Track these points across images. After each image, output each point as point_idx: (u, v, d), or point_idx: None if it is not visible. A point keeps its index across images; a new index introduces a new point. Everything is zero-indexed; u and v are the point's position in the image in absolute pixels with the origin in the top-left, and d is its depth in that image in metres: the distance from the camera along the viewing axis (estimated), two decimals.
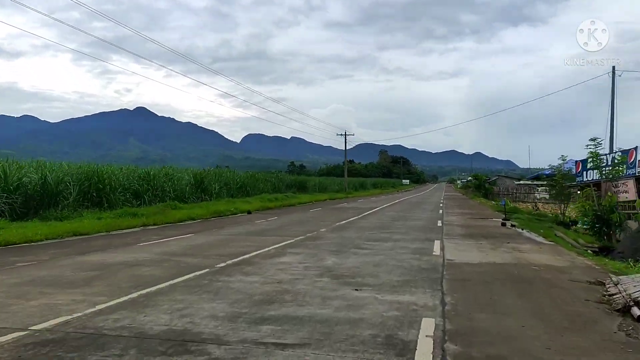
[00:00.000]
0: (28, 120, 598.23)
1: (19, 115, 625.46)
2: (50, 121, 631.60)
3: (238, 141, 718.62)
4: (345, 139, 68.04)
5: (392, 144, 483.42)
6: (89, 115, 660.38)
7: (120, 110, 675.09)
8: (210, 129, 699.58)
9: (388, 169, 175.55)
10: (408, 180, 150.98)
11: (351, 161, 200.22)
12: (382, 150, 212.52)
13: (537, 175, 75.03)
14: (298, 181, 52.71)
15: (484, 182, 55.63)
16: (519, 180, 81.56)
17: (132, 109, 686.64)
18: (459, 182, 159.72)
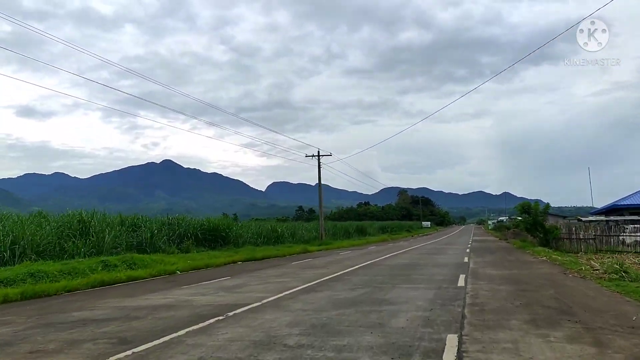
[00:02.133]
0: (59, 177, 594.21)
1: (50, 173, 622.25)
2: (80, 177, 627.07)
3: (263, 189, 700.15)
4: (319, 161, 44.30)
5: (417, 186, 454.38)
6: (117, 170, 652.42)
7: (148, 164, 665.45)
8: (236, 178, 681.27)
9: (408, 210, 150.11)
10: (429, 223, 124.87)
11: (367, 203, 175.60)
12: (402, 190, 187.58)
13: (609, 208, 49.68)
14: (211, 228, 28.92)
15: (540, 219, 30.67)
16: (564, 217, 56.57)
17: (158, 162, 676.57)
18: (490, 222, 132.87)
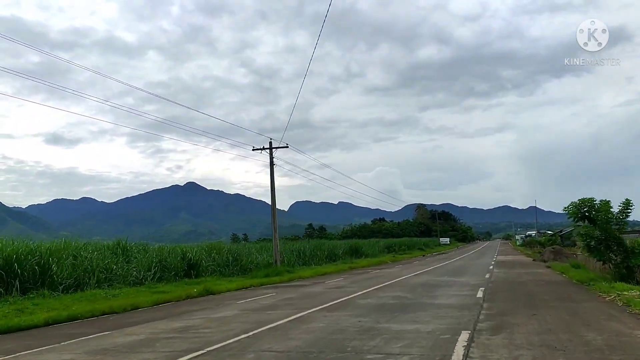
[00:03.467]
0: (86, 202, 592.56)
1: (77, 198, 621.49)
2: (107, 202, 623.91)
3: (286, 209, 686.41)
4: (271, 153, 30.55)
5: (441, 202, 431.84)
6: (142, 194, 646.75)
7: (172, 186, 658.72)
8: (258, 199, 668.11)
9: (427, 226, 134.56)
10: (448, 239, 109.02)
11: (382, 219, 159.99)
12: (420, 205, 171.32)
13: None
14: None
15: (614, 230, 16.26)
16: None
17: (182, 184, 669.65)
18: (517, 237, 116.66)
